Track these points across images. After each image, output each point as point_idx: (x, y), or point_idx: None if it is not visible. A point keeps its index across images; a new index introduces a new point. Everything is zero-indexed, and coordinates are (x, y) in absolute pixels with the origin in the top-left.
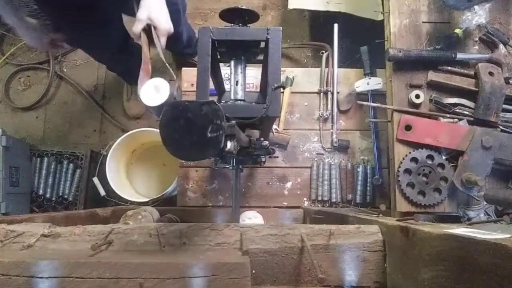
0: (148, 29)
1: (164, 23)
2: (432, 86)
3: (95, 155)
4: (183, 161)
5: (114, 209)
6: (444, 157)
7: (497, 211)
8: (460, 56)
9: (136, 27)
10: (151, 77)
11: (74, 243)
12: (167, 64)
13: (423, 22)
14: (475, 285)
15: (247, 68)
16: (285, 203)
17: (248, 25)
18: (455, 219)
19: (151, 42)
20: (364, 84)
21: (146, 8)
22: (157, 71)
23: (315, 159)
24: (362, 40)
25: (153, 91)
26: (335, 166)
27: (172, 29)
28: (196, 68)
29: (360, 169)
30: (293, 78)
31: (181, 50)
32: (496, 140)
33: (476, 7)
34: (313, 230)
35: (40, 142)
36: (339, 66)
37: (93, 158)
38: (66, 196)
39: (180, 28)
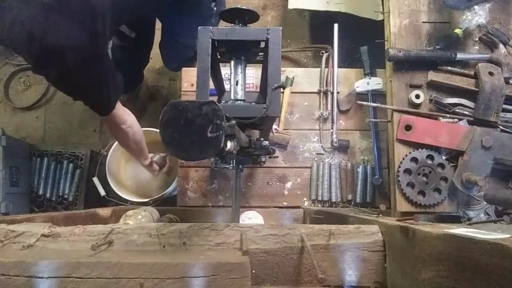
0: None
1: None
2: (432, 86)
3: (95, 155)
4: (183, 161)
5: (114, 209)
6: (444, 157)
7: (497, 211)
8: (460, 56)
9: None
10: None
11: (74, 243)
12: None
13: (423, 22)
14: (475, 285)
15: (247, 68)
16: (285, 203)
17: (248, 25)
18: (455, 219)
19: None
20: (364, 84)
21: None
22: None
23: (315, 159)
24: (362, 40)
25: None
26: (335, 166)
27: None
28: (196, 68)
29: (360, 169)
30: (293, 78)
31: None
32: (496, 140)
33: (476, 7)
34: (313, 230)
35: (40, 142)
36: (339, 66)
37: (93, 158)
38: (66, 196)
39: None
